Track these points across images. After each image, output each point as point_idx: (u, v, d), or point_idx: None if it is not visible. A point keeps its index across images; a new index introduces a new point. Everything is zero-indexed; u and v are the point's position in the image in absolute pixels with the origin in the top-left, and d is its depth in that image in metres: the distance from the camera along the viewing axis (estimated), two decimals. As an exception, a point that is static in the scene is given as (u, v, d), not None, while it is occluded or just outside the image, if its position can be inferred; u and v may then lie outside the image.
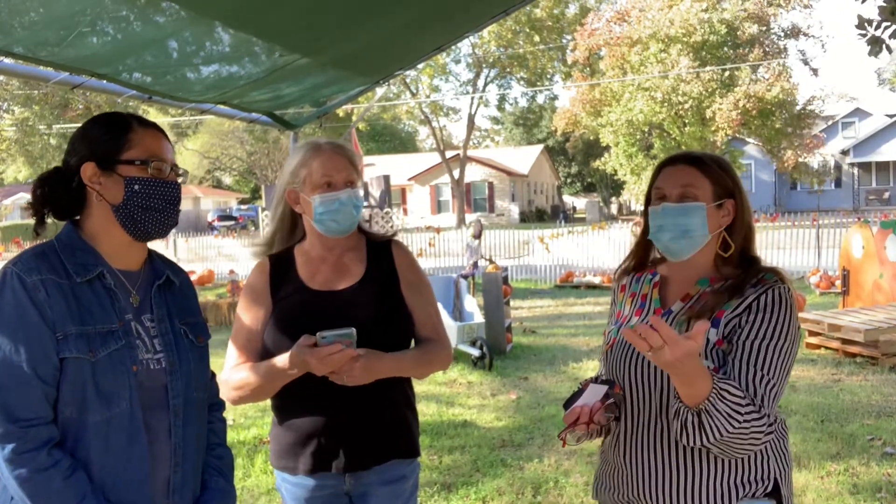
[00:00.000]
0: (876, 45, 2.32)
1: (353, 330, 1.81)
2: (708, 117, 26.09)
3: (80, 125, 1.63)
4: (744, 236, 1.70)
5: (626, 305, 1.82)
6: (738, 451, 1.52)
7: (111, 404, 1.48)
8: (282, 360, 1.88)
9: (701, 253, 1.68)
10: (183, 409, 1.61)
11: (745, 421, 1.46)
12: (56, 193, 1.56)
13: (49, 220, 1.60)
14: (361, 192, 2.12)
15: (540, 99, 47.10)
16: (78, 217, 1.60)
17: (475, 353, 7.50)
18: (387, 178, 13.46)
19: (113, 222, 1.56)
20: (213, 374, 1.80)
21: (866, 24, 2.32)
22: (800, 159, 28.05)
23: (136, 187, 1.54)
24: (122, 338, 1.52)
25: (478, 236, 11.86)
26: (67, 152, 1.58)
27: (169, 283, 1.68)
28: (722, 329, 1.59)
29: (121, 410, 1.49)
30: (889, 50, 2.37)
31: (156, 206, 1.56)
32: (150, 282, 1.65)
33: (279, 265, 2.06)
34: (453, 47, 27.61)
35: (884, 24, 2.30)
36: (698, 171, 1.67)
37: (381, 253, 2.09)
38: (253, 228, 32.38)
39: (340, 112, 31.72)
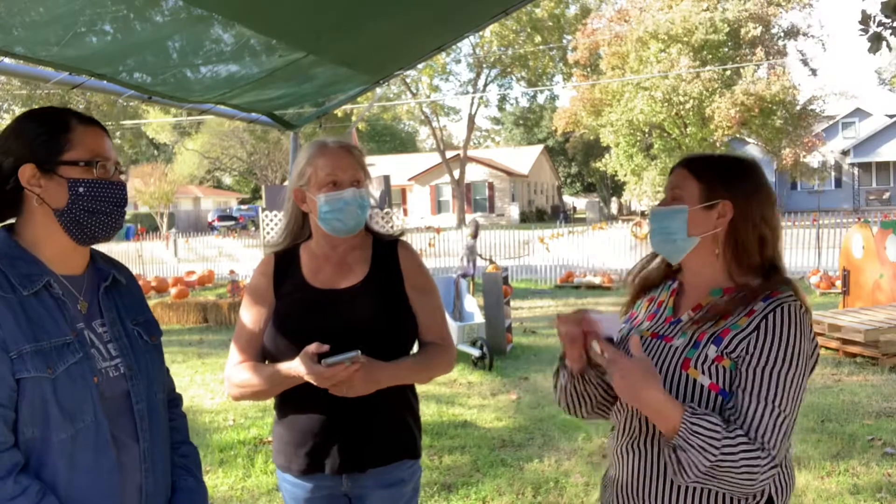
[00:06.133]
0: (877, 41, 2.31)
1: (359, 352, 1.79)
2: (707, 116, 26.07)
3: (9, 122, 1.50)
4: (759, 242, 1.58)
5: (643, 309, 1.77)
6: (737, 488, 1.42)
7: (75, 420, 1.40)
8: (284, 367, 1.88)
9: (700, 258, 1.60)
10: (148, 413, 1.55)
11: (723, 454, 1.38)
12: None
13: None
14: (372, 192, 2.12)
15: (540, 99, 47.21)
16: (13, 221, 1.48)
17: (475, 353, 7.49)
18: (387, 178, 13.42)
19: (55, 227, 1.45)
20: (167, 370, 1.74)
21: (869, 21, 2.31)
22: (800, 159, 28.01)
23: (81, 190, 1.44)
24: (78, 350, 1.43)
25: (475, 236, 11.85)
26: None
27: (115, 283, 1.60)
28: (724, 346, 1.50)
29: (85, 425, 1.41)
30: (889, 47, 2.36)
31: (102, 208, 1.47)
32: (96, 285, 1.55)
33: (283, 262, 2.06)
34: (453, 47, 27.62)
35: (885, 21, 2.29)
36: (688, 173, 1.60)
37: (387, 253, 2.06)
38: (253, 228, 32.37)
39: (340, 112, 31.70)
